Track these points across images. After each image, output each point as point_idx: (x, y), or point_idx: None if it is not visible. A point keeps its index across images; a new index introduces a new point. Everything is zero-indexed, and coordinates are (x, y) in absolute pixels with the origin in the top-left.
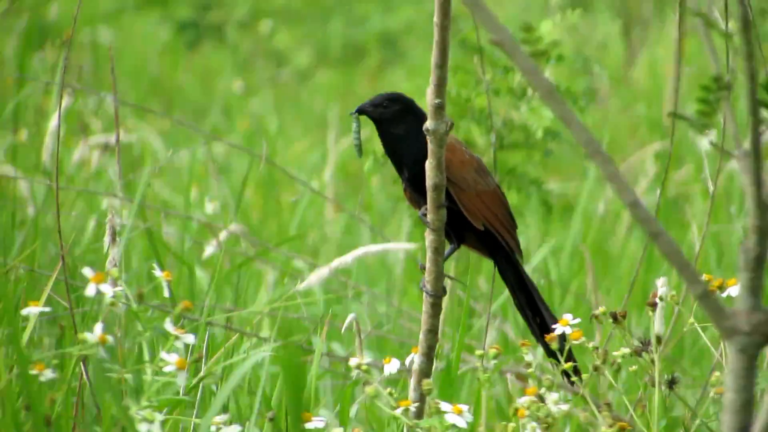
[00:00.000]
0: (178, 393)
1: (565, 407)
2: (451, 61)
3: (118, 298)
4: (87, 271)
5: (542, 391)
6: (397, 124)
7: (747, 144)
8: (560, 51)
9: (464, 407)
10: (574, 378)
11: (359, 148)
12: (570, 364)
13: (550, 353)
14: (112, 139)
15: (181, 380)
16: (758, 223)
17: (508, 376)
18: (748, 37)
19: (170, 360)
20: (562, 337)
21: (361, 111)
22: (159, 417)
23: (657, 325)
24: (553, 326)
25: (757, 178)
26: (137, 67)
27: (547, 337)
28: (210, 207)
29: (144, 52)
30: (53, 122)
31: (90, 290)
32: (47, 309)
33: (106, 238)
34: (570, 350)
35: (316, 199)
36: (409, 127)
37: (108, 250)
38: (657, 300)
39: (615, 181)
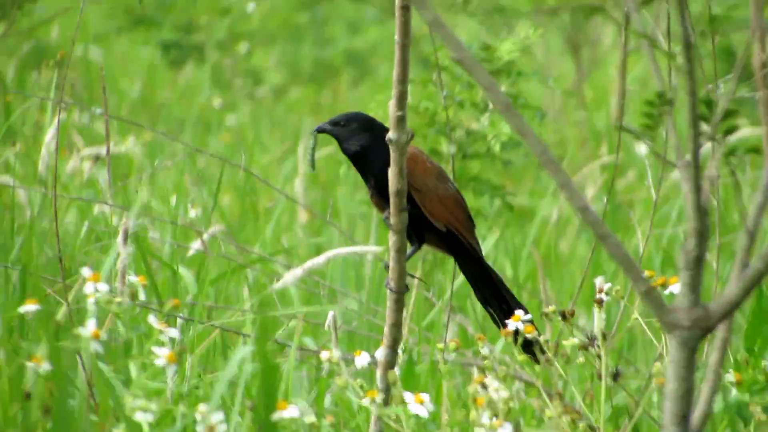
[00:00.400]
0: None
1: (504, 394)
2: (418, 77)
3: (112, 298)
4: (85, 271)
5: (487, 380)
6: (355, 140)
7: (688, 155)
8: (518, 68)
9: (425, 397)
10: (539, 359)
11: (312, 163)
12: (536, 354)
13: (527, 346)
14: (102, 151)
15: (171, 372)
16: (697, 226)
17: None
18: (689, 56)
19: (161, 354)
20: (517, 332)
21: (320, 130)
22: (153, 406)
23: (599, 322)
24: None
25: (697, 186)
26: (124, 85)
27: (513, 317)
28: (192, 212)
29: (130, 70)
30: (49, 135)
31: (88, 288)
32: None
33: (119, 240)
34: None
35: (290, 205)
36: (367, 141)
37: (120, 251)
38: (603, 297)
39: (566, 188)
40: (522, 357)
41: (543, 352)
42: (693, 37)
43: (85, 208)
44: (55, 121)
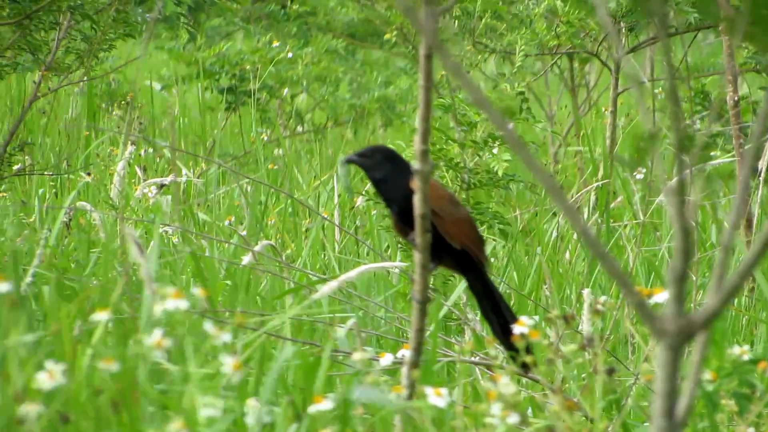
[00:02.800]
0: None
1: (513, 388)
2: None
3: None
4: (160, 287)
5: (498, 377)
6: (380, 170)
7: (673, 182)
8: (527, 108)
9: (444, 390)
10: (531, 367)
11: (348, 188)
12: (530, 357)
13: (510, 349)
14: (166, 180)
15: (236, 379)
16: (682, 246)
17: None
18: (674, 98)
19: (227, 362)
20: (523, 336)
21: (348, 160)
22: (219, 403)
23: (586, 326)
24: (513, 326)
25: (681, 210)
26: (186, 123)
27: (512, 337)
28: (243, 232)
29: (189, 110)
30: (120, 165)
31: (168, 305)
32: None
33: (134, 251)
34: (529, 346)
35: (328, 226)
36: (390, 172)
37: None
38: (600, 307)
39: (568, 212)
40: (530, 358)
41: (531, 364)
42: (676, 81)
43: (150, 228)
44: (127, 152)
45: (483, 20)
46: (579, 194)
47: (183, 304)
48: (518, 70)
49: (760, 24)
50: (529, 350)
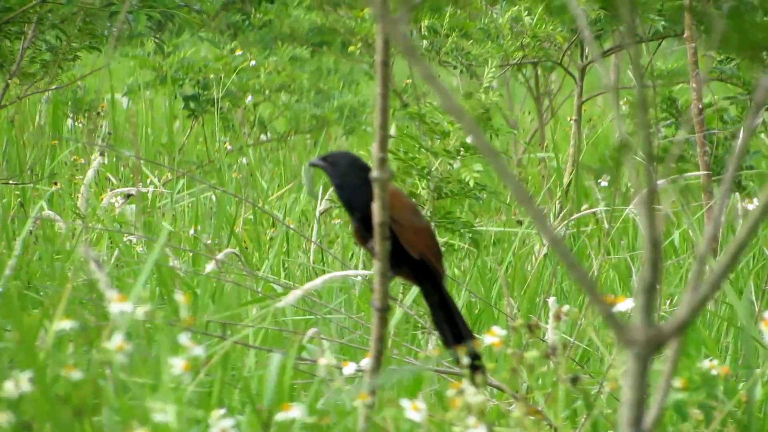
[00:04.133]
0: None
1: (480, 398)
2: (399, 130)
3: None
4: (111, 294)
5: (464, 386)
6: (343, 176)
7: (644, 193)
8: (494, 117)
9: (422, 405)
10: (483, 371)
11: (312, 193)
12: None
13: (457, 360)
14: (132, 190)
15: (187, 379)
16: (651, 256)
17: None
18: (644, 107)
19: (178, 364)
20: (471, 347)
21: (313, 164)
22: (171, 408)
23: (552, 335)
24: (466, 337)
25: (651, 221)
26: (149, 131)
27: (458, 348)
28: (207, 240)
29: (154, 119)
30: (88, 175)
31: (114, 308)
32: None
33: (92, 266)
34: (479, 356)
35: (293, 234)
36: (353, 178)
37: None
38: (562, 314)
39: (539, 221)
40: (479, 363)
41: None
42: (644, 88)
43: (115, 238)
44: (94, 162)
45: (450, 38)
46: (557, 202)
47: (128, 307)
48: (486, 89)
49: (737, 31)
50: (477, 356)
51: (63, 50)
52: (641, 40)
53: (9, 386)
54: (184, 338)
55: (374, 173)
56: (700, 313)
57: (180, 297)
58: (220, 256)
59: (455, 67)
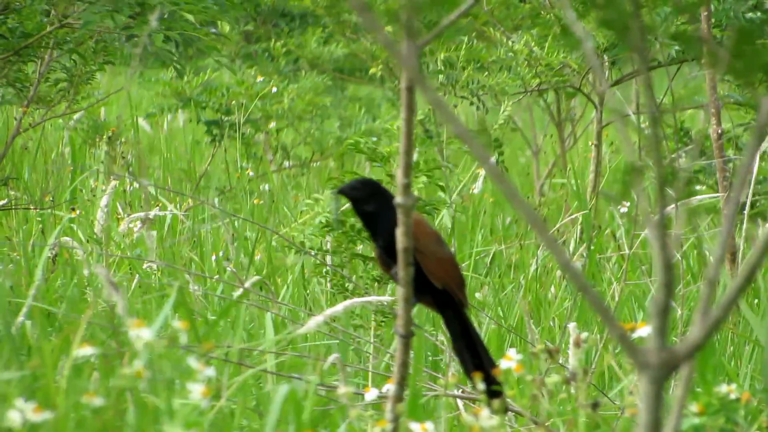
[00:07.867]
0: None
1: (494, 422)
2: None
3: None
4: (130, 321)
5: (483, 412)
6: (368, 202)
7: (656, 217)
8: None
9: (430, 426)
10: (503, 396)
11: (337, 221)
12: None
13: (478, 387)
14: (150, 215)
15: (205, 404)
16: (665, 279)
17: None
18: (656, 132)
19: (196, 390)
20: (490, 376)
21: (339, 192)
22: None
23: (572, 360)
24: (488, 365)
25: (664, 244)
26: (171, 157)
27: (475, 374)
28: (229, 267)
29: (177, 145)
30: (103, 201)
31: (132, 334)
32: (96, 350)
33: (108, 289)
34: (497, 381)
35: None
36: (378, 205)
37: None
38: (581, 341)
39: (551, 246)
40: (511, 392)
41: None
42: (658, 116)
43: (135, 264)
44: (109, 187)
45: (466, 71)
46: (559, 223)
47: (146, 333)
48: (505, 120)
49: (743, 59)
50: (497, 382)
51: (79, 72)
52: (658, 65)
53: (14, 416)
54: (193, 361)
55: (398, 199)
56: (712, 336)
57: (178, 324)
58: (247, 284)
59: (472, 104)
